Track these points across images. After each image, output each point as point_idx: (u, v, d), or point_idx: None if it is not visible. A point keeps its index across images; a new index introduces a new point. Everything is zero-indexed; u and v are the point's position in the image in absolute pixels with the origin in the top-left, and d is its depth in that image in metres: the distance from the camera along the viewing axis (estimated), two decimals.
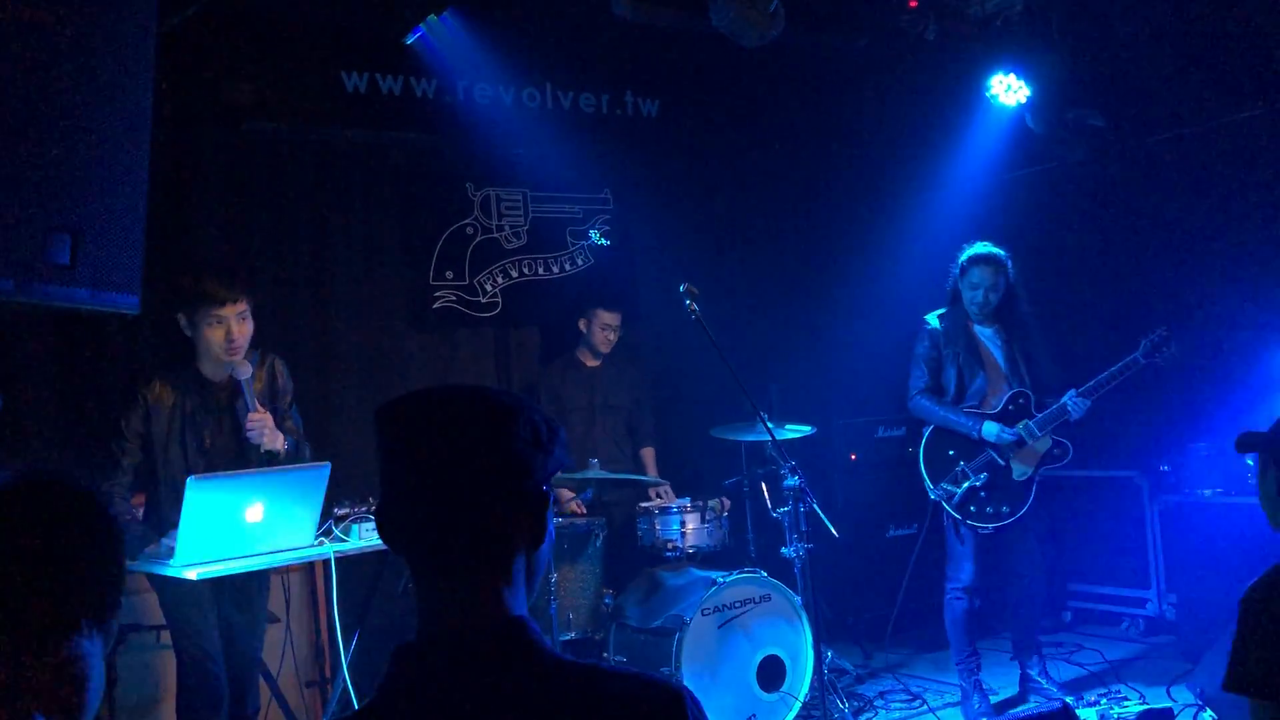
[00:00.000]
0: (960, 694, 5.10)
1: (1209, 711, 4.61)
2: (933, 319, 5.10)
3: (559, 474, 4.82)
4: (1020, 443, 4.91)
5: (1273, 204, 5.81)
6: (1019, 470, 4.92)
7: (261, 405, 4.03)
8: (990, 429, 4.90)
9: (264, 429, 3.96)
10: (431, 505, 1.37)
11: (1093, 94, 6.09)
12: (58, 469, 1.33)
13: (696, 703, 1.35)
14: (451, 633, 1.35)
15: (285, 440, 4.05)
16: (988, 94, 6.03)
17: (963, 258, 5.05)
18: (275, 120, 5.55)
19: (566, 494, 5.58)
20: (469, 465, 1.37)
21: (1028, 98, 5.96)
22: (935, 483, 4.97)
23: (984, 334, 5.07)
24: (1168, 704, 4.84)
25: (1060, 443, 4.93)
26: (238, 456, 4.04)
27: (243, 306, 3.97)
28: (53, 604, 1.25)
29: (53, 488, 1.29)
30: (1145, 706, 4.85)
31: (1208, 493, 5.78)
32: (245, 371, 3.98)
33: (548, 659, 1.34)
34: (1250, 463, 5.55)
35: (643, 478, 5.46)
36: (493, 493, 1.38)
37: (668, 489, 5.82)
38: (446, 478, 1.36)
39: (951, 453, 4.99)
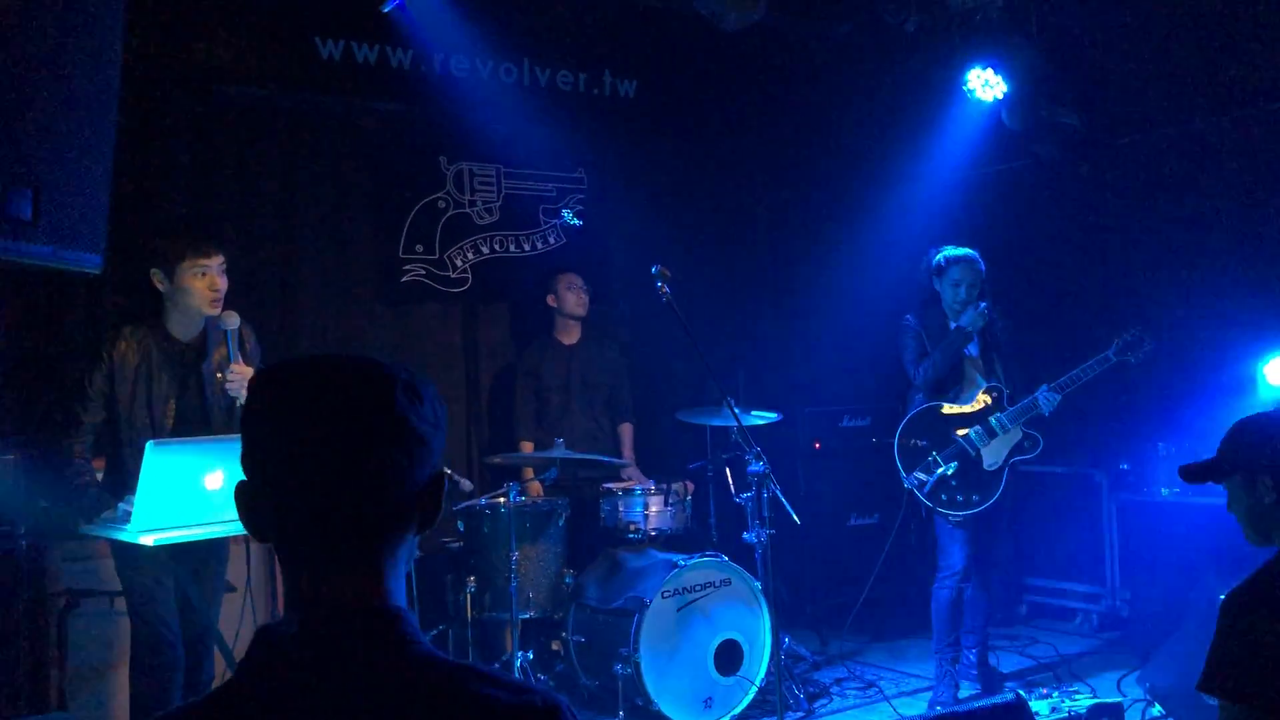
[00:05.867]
0: (935, 679, 5.14)
1: (1157, 706, 4.68)
2: (911, 318, 5.17)
3: (528, 454, 4.75)
4: (991, 432, 4.98)
5: (1243, 208, 5.86)
6: (989, 460, 4.99)
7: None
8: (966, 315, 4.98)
9: (244, 382, 3.92)
10: (338, 479, 1.26)
11: (1069, 92, 6.11)
12: None
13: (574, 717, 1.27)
14: (325, 618, 1.25)
15: None
16: (965, 88, 6.02)
17: (938, 257, 5.12)
18: (247, 84, 5.47)
19: (529, 474, 5.58)
20: (383, 438, 1.27)
21: (1005, 94, 5.97)
22: (909, 472, 5.04)
23: None
24: (1118, 698, 4.90)
25: (1031, 435, 5.02)
26: (202, 418, 4.00)
27: (222, 259, 4.01)
28: None
29: None
30: (1096, 700, 4.90)
31: (1165, 492, 5.84)
32: (233, 322, 3.95)
33: (420, 654, 1.25)
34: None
35: (607, 458, 5.45)
36: (404, 469, 1.29)
37: (634, 470, 5.82)
38: (359, 449, 1.26)
39: (924, 443, 5.06)
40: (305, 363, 1.32)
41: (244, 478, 1.32)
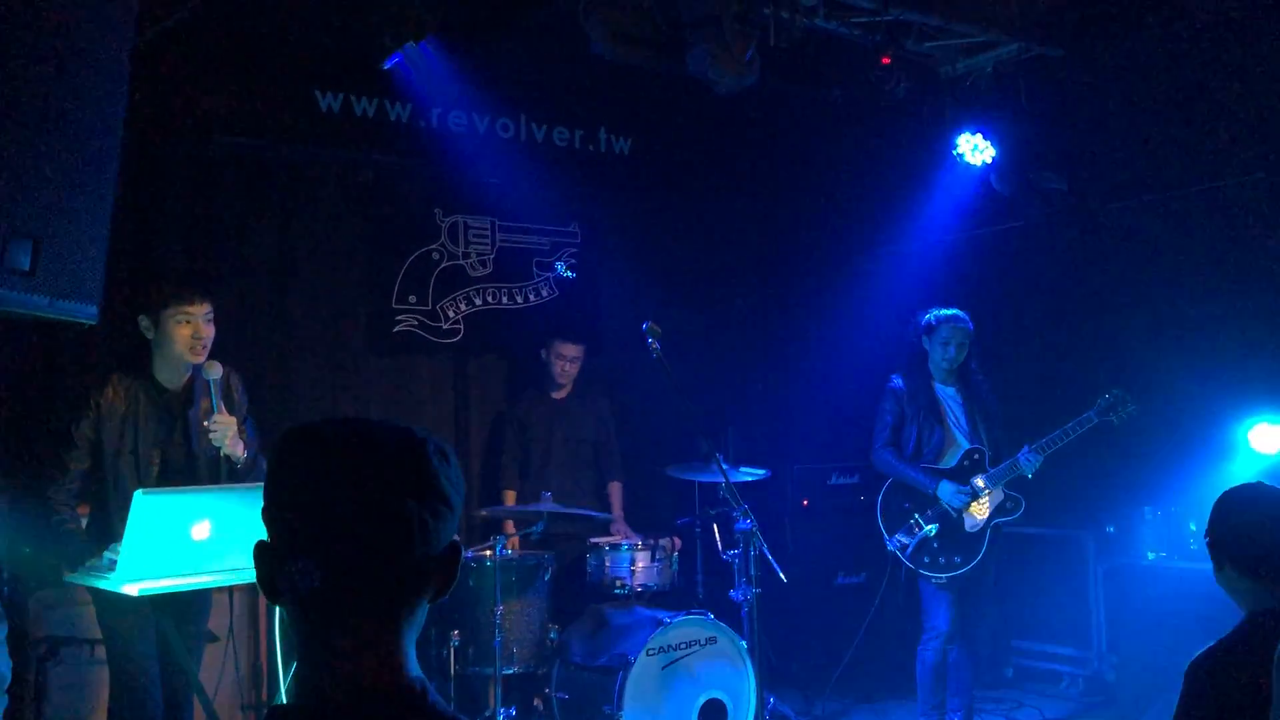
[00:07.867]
0: None
1: None
2: (898, 380, 5.22)
3: (516, 507, 4.72)
4: (974, 496, 4.99)
5: (1225, 274, 5.93)
6: (971, 522, 5.00)
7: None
8: (946, 489, 4.97)
9: (228, 432, 3.91)
10: (367, 529, 1.24)
11: (1056, 158, 6.21)
12: None
13: None
14: (348, 696, 1.24)
15: (246, 449, 4.00)
16: (955, 152, 6.12)
17: (928, 317, 5.18)
18: (246, 135, 5.53)
19: (509, 528, 5.57)
20: (413, 492, 1.27)
21: (993, 158, 6.07)
22: (891, 534, 5.06)
23: (946, 394, 5.20)
24: None
25: (1013, 496, 5.03)
26: (188, 467, 3.98)
27: (208, 308, 3.97)
28: None
29: None
30: None
31: (1152, 555, 5.85)
32: (215, 372, 3.93)
33: None
34: (1193, 527, 5.64)
35: (594, 513, 5.44)
36: (429, 528, 1.28)
37: (622, 525, 5.81)
38: (390, 500, 1.26)
39: (906, 505, 5.10)
40: (337, 421, 1.33)
41: (264, 537, 1.31)
